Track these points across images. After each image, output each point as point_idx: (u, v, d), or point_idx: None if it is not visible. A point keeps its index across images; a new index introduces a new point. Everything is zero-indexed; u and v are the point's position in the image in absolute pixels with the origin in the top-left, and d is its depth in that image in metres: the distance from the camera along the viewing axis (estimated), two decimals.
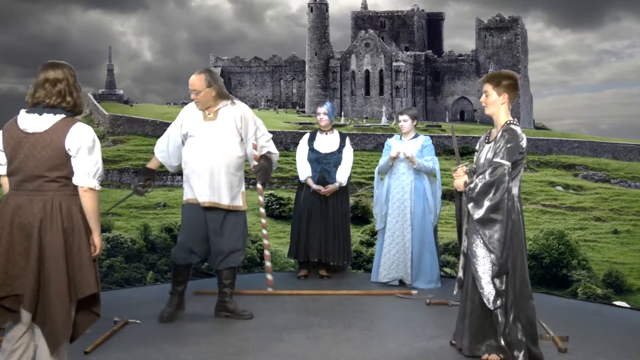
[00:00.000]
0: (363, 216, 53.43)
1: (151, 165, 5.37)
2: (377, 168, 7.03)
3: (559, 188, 63.88)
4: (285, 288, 6.38)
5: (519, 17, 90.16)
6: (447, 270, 38.63)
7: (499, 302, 4.02)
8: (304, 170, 7.06)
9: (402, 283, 6.71)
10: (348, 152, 7.08)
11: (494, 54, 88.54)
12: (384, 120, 78.43)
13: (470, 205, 4.05)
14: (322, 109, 7.09)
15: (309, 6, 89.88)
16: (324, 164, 7.00)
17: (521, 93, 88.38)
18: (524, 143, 4.06)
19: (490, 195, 3.98)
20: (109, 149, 69.30)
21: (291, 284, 6.72)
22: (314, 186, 6.94)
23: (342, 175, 6.99)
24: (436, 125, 77.81)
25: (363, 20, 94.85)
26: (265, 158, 5.34)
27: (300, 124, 73.58)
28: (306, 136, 7.23)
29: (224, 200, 5.14)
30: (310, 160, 7.05)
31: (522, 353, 4.00)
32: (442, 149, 70.55)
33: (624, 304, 7.13)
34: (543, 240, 43.78)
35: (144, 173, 5.34)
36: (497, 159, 4.01)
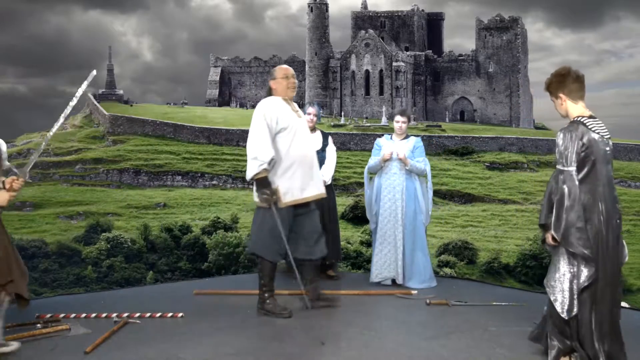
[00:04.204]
0: (363, 216, 52.90)
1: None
2: (366, 168, 7.04)
3: None
4: (285, 288, 6.38)
5: (519, 17, 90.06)
6: (447, 270, 38.61)
7: (574, 312, 3.95)
8: None
9: (394, 282, 6.73)
10: (331, 151, 7.11)
11: (494, 54, 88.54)
12: (384, 120, 78.42)
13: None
14: (313, 110, 7.08)
15: (309, 6, 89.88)
16: None
17: (522, 93, 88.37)
18: (585, 140, 3.93)
19: (565, 204, 3.90)
20: (109, 149, 69.22)
21: (291, 284, 6.71)
22: None
23: (326, 173, 7.00)
24: (436, 125, 77.85)
25: (363, 20, 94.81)
26: None
27: None
28: None
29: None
30: None
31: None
32: (442, 149, 70.61)
33: (624, 304, 7.11)
34: None
35: (266, 184, 5.33)
36: (559, 166, 3.97)
